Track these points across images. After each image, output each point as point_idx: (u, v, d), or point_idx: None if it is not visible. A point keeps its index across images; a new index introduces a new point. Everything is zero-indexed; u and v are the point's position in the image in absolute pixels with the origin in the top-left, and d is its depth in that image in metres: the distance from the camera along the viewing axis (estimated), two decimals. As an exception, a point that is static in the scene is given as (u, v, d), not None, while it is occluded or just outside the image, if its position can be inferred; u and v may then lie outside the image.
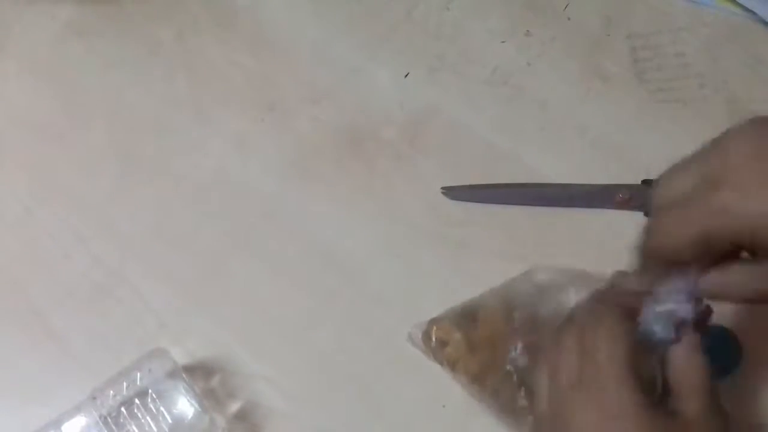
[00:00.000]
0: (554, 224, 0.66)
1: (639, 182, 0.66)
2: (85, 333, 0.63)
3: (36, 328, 0.64)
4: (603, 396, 0.45)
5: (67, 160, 0.70)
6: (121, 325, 0.63)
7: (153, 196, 0.68)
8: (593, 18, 0.74)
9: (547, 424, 0.48)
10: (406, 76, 0.73)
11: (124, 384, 0.57)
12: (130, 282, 0.65)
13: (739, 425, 0.58)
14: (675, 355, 0.47)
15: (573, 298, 0.58)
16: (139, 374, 0.58)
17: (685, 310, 0.46)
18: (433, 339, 0.60)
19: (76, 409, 0.57)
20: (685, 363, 0.47)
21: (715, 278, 0.45)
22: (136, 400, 0.57)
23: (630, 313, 0.48)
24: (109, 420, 0.56)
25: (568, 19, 0.75)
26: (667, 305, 0.46)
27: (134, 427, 0.56)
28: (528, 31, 0.74)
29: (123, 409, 0.57)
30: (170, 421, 0.57)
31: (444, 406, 0.60)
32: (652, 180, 0.65)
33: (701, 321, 0.48)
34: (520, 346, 0.57)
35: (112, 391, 0.57)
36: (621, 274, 0.50)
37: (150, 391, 0.57)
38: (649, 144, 0.68)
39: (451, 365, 0.59)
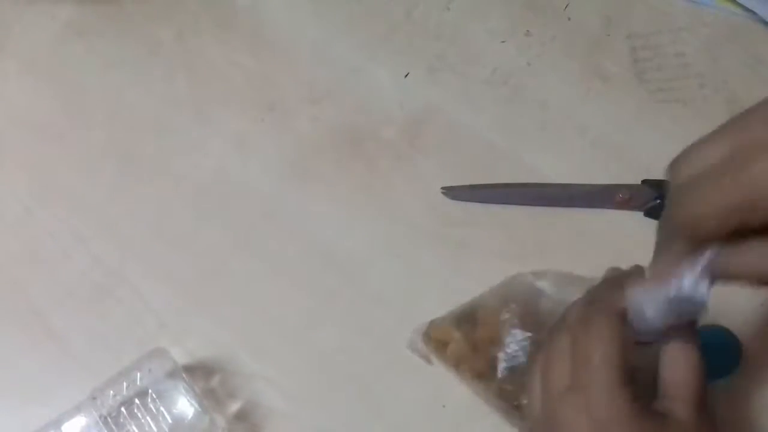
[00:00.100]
0: (554, 224, 0.66)
1: (639, 182, 0.66)
2: (85, 333, 0.63)
3: (36, 328, 0.64)
4: (594, 400, 0.45)
5: (67, 160, 0.70)
6: (121, 325, 0.63)
7: (153, 196, 0.68)
8: (593, 18, 0.74)
9: (540, 427, 0.48)
10: (406, 76, 0.73)
11: (124, 384, 0.57)
12: (130, 282, 0.65)
13: (738, 426, 0.58)
14: (669, 355, 0.47)
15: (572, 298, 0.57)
16: (139, 374, 0.58)
17: (701, 292, 0.43)
18: (434, 340, 0.60)
19: (76, 409, 0.57)
20: (679, 363, 0.46)
21: (736, 256, 0.42)
22: (136, 400, 0.57)
23: (622, 314, 0.47)
24: (109, 420, 0.56)
25: (568, 19, 0.75)
26: (683, 289, 0.43)
27: (134, 427, 0.56)
28: (528, 31, 0.74)
29: (123, 409, 0.57)
30: (170, 421, 0.57)
31: (444, 406, 0.60)
32: (651, 180, 0.65)
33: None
34: (520, 340, 0.57)
35: (112, 391, 0.57)
36: (614, 270, 0.50)
37: (150, 391, 0.57)
38: (649, 144, 0.68)
39: (456, 364, 0.59)
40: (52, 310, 0.64)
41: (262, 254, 0.66)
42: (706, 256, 0.42)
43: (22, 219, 0.68)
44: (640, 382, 0.46)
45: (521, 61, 0.73)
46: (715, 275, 0.43)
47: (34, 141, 0.71)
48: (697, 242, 0.43)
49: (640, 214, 0.65)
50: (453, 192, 0.67)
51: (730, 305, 0.59)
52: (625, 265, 0.50)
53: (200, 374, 0.61)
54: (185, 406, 0.57)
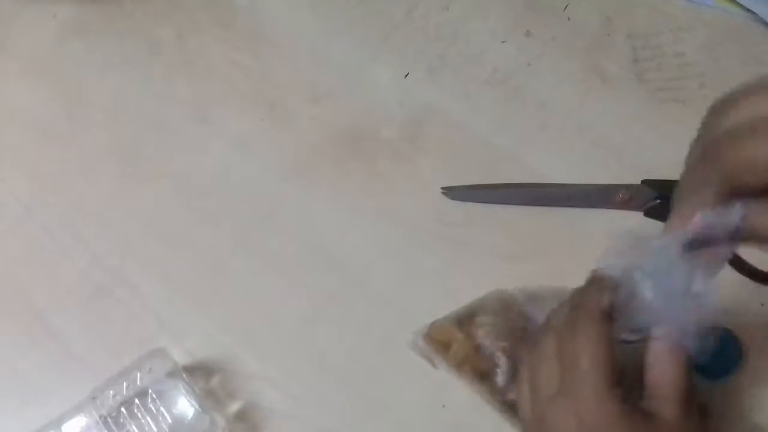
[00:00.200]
0: (554, 224, 0.66)
1: (639, 182, 0.66)
2: (85, 333, 0.63)
3: (36, 328, 0.64)
4: (584, 404, 0.45)
5: (67, 160, 0.70)
6: (121, 325, 0.63)
7: (153, 196, 0.68)
8: (593, 18, 0.74)
9: (531, 431, 0.48)
10: (406, 76, 0.73)
11: (124, 384, 0.57)
12: (130, 282, 0.65)
13: (738, 425, 0.58)
14: (653, 355, 0.46)
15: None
16: (139, 374, 0.58)
17: (725, 251, 0.42)
18: (436, 341, 0.59)
19: (76, 409, 0.57)
20: (664, 363, 0.46)
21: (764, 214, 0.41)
22: (136, 400, 0.57)
23: (608, 316, 0.46)
24: (109, 420, 0.56)
25: (568, 19, 0.75)
26: (707, 228, 0.42)
27: (134, 427, 0.56)
28: (528, 31, 0.74)
29: (123, 409, 0.57)
30: (170, 421, 0.57)
31: (444, 406, 0.60)
32: (651, 180, 0.65)
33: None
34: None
35: (112, 391, 0.57)
36: (598, 272, 0.49)
37: (150, 391, 0.57)
38: (649, 144, 0.68)
39: (458, 365, 0.59)
40: (52, 310, 0.64)
41: (262, 254, 0.66)
42: (737, 208, 0.41)
43: (22, 219, 0.68)
44: (627, 381, 0.46)
45: (521, 61, 0.73)
46: (741, 233, 0.41)
47: (34, 141, 0.71)
48: (728, 192, 0.42)
49: (640, 214, 0.65)
50: (453, 192, 0.67)
51: (731, 305, 0.59)
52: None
53: (200, 374, 0.61)
54: (185, 406, 0.57)
